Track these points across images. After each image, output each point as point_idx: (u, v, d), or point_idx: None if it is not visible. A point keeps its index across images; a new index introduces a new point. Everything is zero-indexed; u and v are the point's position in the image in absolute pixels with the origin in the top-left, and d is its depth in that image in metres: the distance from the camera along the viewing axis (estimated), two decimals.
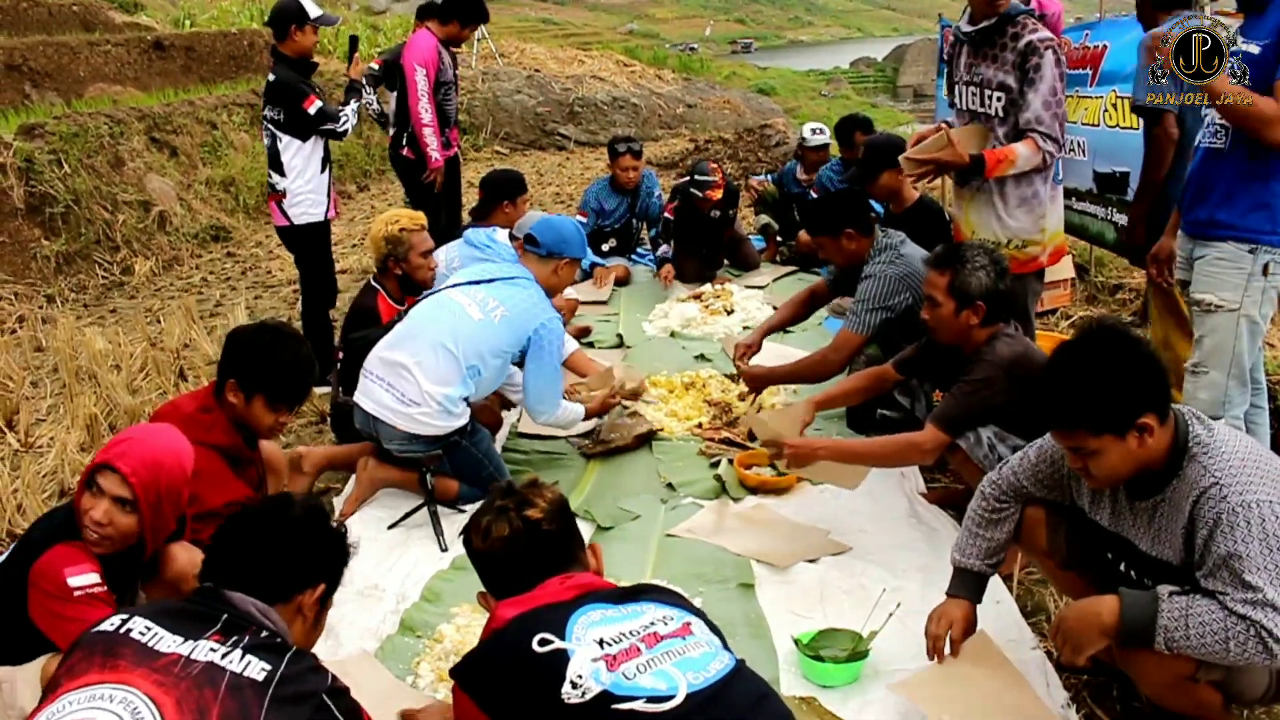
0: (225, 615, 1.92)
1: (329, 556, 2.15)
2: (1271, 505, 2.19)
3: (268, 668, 1.84)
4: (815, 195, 7.18)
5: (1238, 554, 2.18)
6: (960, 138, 3.92)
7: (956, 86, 4.13)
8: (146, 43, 14.42)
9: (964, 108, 4.08)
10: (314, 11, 5.30)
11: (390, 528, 3.92)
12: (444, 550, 3.74)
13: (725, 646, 2.04)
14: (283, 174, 5.31)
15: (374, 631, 3.23)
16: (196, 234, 9.21)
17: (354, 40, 6.05)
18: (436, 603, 3.38)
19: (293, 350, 3.21)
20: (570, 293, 7.10)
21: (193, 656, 1.82)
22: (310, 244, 5.46)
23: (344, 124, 5.33)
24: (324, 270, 5.61)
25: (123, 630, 1.85)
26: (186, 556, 2.76)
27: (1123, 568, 2.59)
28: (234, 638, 1.88)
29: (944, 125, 4.07)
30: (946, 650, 2.74)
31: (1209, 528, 2.24)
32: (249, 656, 1.85)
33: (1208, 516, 2.25)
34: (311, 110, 5.20)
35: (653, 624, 1.95)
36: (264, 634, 1.92)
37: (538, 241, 4.23)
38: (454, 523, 3.92)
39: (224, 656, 1.83)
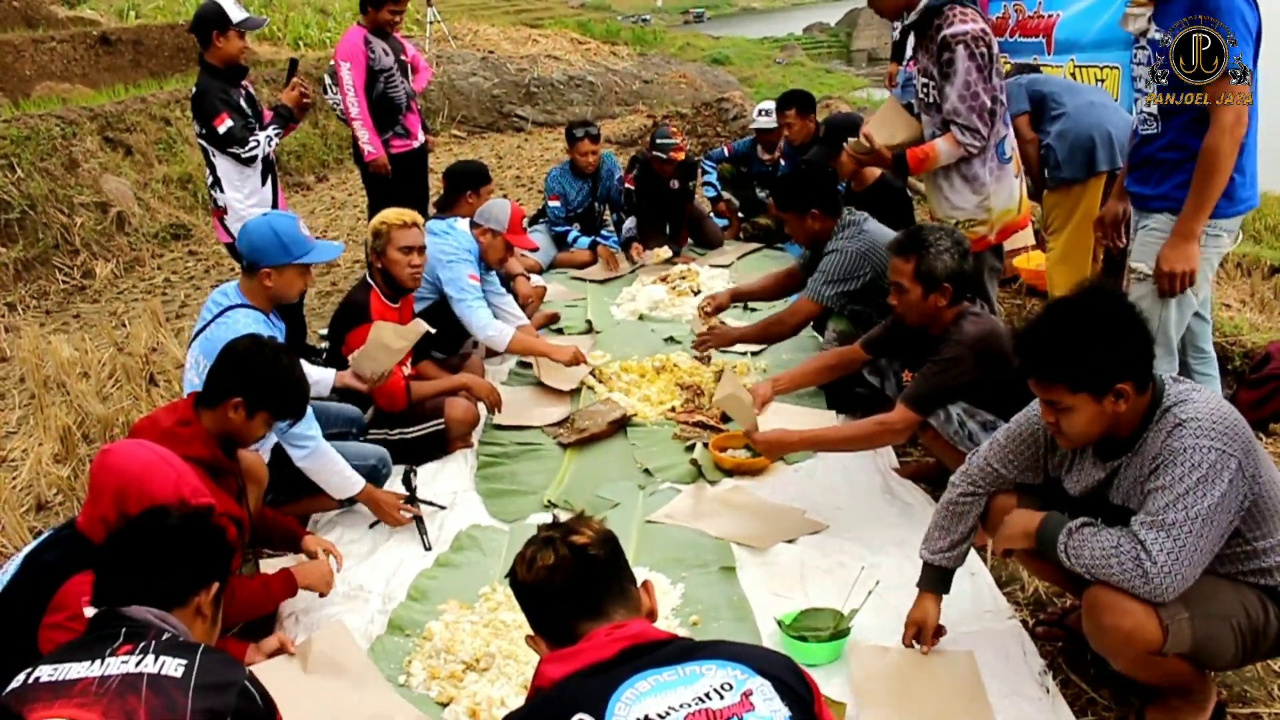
0: (124, 628, 1.99)
1: (216, 555, 2.26)
2: (1211, 449, 2.30)
3: (183, 663, 1.90)
4: (786, 166, 7.22)
5: (1163, 486, 2.33)
6: (878, 133, 4.12)
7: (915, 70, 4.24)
8: (93, 38, 14.19)
9: (916, 92, 4.19)
10: (236, 15, 5.04)
11: (372, 526, 3.95)
12: (428, 549, 3.78)
13: (796, 708, 1.78)
14: (220, 188, 5.16)
15: (363, 632, 3.27)
16: (156, 233, 9.11)
17: (293, 64, 5.59)
18: (423, 601, 3.42)
19: (298, 368, 3.25)
20: (583, 273, 7.24)
21: (106, 674, 1.87)
22: None
23: (251, 150, 5.07)
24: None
25: (30, 681, 1.89)
26: None
27: None
28: (141, 644, 1.93)
29: (865, 136, 4.19)
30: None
31: (1161, 459, 2.37)
32: (163, 657, 1.90)
33: (1164, 451, 2.37)
34: (221, 130, 5.00)
35: (708, 696, 1.74)
36: (167, 636, 1.99)
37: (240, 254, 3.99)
38: (435, 521, 3.96)
39: (138, 664, 1.89)
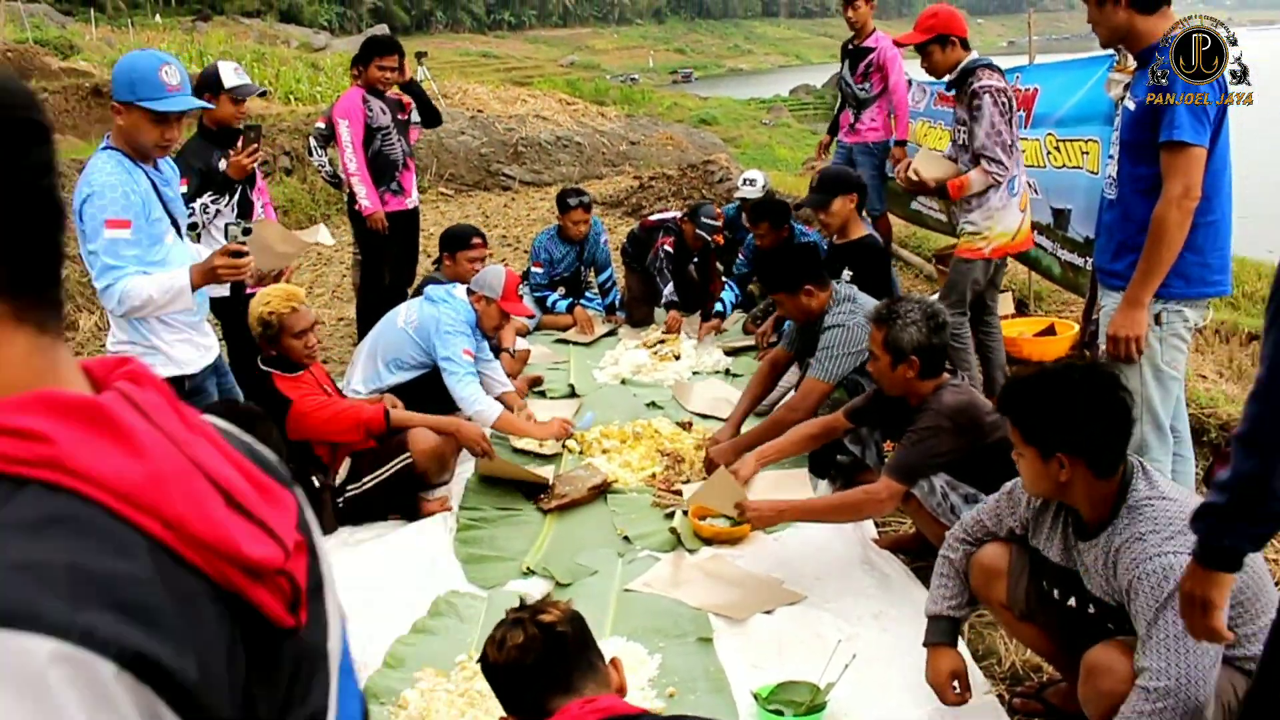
0: None
1: None
2: (1175, 556, 2.29)
3: None
4: (743, 263, 7.17)
5: (1139, 611, 2.34)
6: (925, 169, 4.96)
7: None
8: (85, 89, 14.33)
9: (953, 136, 5.16)
10: (230, 81, 4.98)
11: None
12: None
13: None
14: (198, 239, 5.06)
15: None
16: None
17: (249, 130, 5.03)
18: (399, 668, 3.39)
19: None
20: (548, 336, 7.22)
21: None
22: (225, 316, 5.16)
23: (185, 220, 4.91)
24: (245, 340, 5.42)
25: None
26: None
27: (1072, 602, 2.69)
28: None
29: (914, 170, 4.99)
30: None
31: (1128, 581, 2.39)
32: None
33: (1125, 571, 2.39)
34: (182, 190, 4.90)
35: None
36: None
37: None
38: (413, 584, 3.93)
39: None
